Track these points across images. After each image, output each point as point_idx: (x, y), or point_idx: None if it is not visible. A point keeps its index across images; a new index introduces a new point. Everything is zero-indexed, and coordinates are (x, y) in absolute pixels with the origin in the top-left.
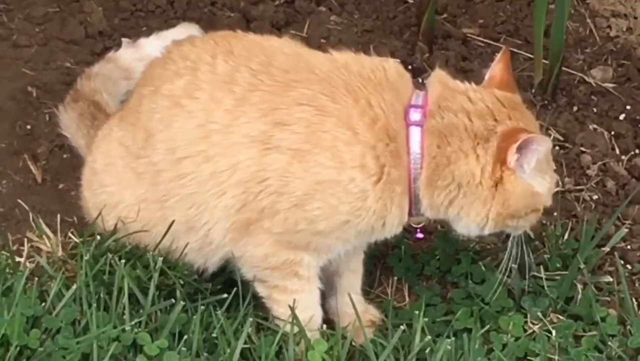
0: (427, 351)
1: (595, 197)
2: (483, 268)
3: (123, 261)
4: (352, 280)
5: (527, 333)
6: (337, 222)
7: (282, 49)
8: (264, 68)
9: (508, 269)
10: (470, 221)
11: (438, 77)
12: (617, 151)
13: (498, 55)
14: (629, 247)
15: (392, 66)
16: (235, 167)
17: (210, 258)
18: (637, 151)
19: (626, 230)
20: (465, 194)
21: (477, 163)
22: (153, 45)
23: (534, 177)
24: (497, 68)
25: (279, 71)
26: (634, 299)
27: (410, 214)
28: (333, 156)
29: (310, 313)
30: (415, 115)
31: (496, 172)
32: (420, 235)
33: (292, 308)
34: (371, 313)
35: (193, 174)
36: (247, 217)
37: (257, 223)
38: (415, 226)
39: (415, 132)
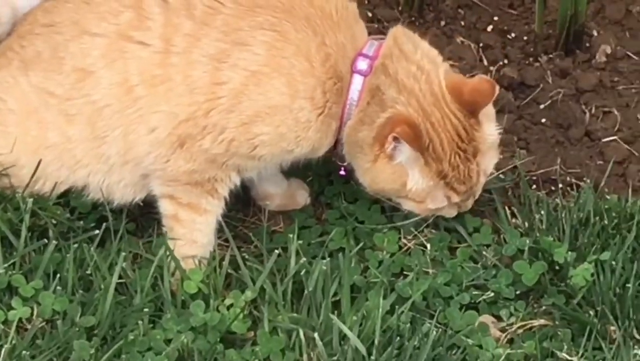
0: (302, 273)
1: None
2: (355, 186)
3: None
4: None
5: (402, 249)
6: (279, 149)
7: None
8: None
9: None
10: (358, 179)
11: (395, 34)
12: (485, 62)
13: (481, 77)
14: (501, 156)
15: (353, 8)
16: (188, 78)
17: (139, 190)
18: (505, 61)
19: None
20: (360, 156)
21: (371, 133)
22: None
23: (409, 170)
24: (471, 83)
25: None
26: (506, 208)
27: (335, 151)
28: (289, 83)
29: (209, 238)
30: (362, 64)
31: (375, 150)
32: (342, 173)
33: (167, 244)
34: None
35: (146, 97)
36: (188, 133)
37: (195, 142)
38: (340, 164)
39: (357, 80)
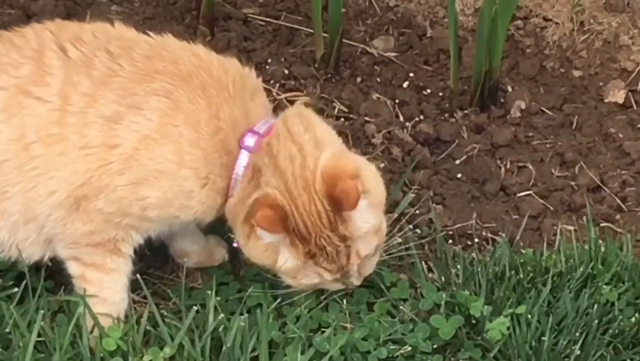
0: (221, 329)
1: (381, 165)
2: None
3: None
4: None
5: (320, 304)
6: (166, 213)
7: (135, 34)
8: (124, 52)
9: None
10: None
11: (287, 114)
12: (402, 118)
13: (354, 186)
14: (417, 211)
15: (254, 84)
16: (83, 139)
17: (47, 249)
18: (421, 117)
19: (413, 195)
20: (238, 231)
21: (244, 212)
22: None
23: (280, 248)
24: (345, 183)
25: (141, 57)
26: (423, 263)
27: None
28: (176, 151)
29: (121, 296)
30: (249, 140)
31: (246, 229)
32: (235, 244)
33: (83, 299)
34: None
35: (42, 157)
36: (83, 194)
37: (90, 202)
38: (232, 235)
39: (243, 156)
